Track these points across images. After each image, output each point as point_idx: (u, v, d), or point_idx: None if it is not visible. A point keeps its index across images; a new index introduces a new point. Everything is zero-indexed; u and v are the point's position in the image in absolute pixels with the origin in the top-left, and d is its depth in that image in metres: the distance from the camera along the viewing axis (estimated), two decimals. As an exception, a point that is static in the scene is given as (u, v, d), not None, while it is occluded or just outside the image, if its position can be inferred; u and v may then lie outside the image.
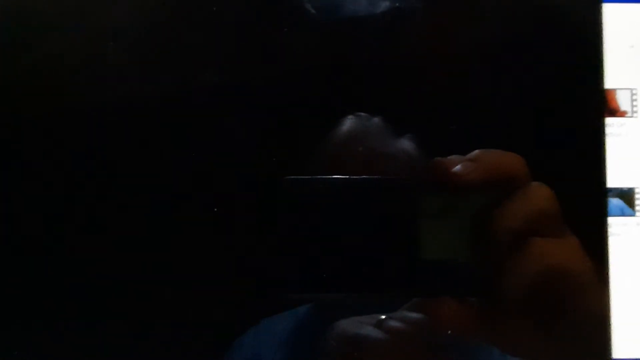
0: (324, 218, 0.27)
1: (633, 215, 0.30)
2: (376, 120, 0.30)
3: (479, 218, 0.27)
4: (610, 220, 0.30)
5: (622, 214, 0.30)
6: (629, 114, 0.31)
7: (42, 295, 0.29)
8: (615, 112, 0.31)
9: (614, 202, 0.30)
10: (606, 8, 0.31)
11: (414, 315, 0.28)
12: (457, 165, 0.27)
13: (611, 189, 0.30)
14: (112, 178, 0.30)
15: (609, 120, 0.31)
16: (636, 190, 0.30)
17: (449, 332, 0.27)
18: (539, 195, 0.27)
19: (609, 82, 0.31)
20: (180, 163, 0.30)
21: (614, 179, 0.30)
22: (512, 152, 0.28)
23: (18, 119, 0.30)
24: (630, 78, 0.31)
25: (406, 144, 0.30)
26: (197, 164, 0.30)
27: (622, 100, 0.31)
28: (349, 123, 0.30)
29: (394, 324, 0.28)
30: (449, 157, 0.28)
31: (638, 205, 0.30)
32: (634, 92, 0.31)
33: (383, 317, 0.28)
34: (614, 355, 0.29)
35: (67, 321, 0.29)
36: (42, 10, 0.30)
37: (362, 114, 0.30)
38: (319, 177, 0.28)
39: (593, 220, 0.30)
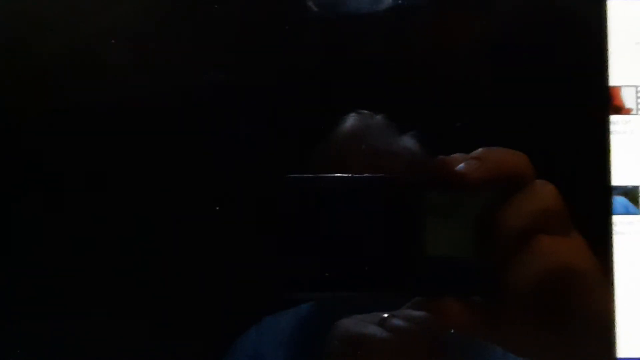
0: (326, 216, 0.27)
1: (638, 213, 0.30)
2: (379, 118, 0.30)
3: (483, 216, 0.27)
4: (615, 218, 0.30)
5: (627, 213, 0.30)
6: (634, 112, 0.31)
7: (43, 295, 0.29)
8: (620, 110, 0.31)
9: (619, 200, 0.30)
10: (611, 5, 0.31)
11: (417, 313, 0.28)
12: (460, 163, 0.27)
13: (616, 187, 0.30)
14: (113, 177, 0.30)
15: (613, 118, 0.30)
16: (641, 189, 0.30)
17: (452, 331, 0.27)
18: (544, 193, 0.27)
19: (613, 80, 0.31)
20: (181, 162, 0.30)
21: (618, 177, 0.30)
22: (516, 149, 0.28)
23: (18, 119, 0.30)
24: (635, 75, 0.31)
25: (409, 141, 0.30)
26: (198, 162, 0.30)
27: (627, 98, 0.31)
28: (351, 121, 0.30)
29: (396, 322, 0.28)
30: (452, 155, 0.27)
31: (643, 203, 0.30)
32: (639, 89, 0.31)
33: (386, 315, 0.28)
34: (618, 354, 0.29)
35: (68, 321, 0.29)
36: (42, 10, 0.30)
37: (365, 111, 0.30)
38: (321, 175, 0.28)
39: (598, 218, 0.30)
